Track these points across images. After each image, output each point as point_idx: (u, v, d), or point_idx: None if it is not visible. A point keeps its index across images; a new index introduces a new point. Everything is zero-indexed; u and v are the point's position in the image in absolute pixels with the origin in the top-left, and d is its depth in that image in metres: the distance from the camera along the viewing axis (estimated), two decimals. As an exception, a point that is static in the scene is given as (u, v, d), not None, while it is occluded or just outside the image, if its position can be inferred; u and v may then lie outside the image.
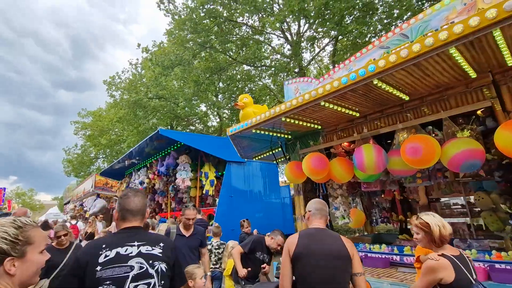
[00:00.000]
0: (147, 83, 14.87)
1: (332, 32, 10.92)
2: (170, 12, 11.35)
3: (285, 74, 13.23)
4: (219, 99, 15.92)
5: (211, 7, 10.23)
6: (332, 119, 3.93)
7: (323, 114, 3.74)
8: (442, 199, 4.29)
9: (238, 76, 15.39)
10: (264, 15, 10.24)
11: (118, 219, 1.57)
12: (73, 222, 11.04)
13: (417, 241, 1.98)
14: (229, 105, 15.15)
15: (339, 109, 3.42)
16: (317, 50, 13.35)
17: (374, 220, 5.53)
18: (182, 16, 10.73)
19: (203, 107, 19.28)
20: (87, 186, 18.16)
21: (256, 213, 8.79)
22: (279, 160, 5.44)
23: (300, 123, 3.85)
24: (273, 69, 12.75)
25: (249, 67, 14.22)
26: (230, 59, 12.61)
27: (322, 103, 3.15)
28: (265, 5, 9.59)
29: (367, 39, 10.85)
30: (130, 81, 16.02)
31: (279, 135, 4.46)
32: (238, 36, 12.49)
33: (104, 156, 26.35)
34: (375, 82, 2.70)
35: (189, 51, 10.64)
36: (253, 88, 14.83)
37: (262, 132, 4.21)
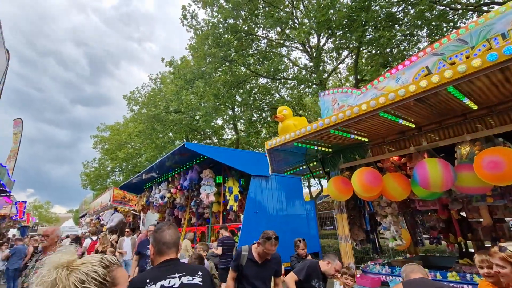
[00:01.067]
0: (168, 97, 15.03)
1: (352, 45, 10.80)
2: (192, 28, 11.57)
3: (304, 86, 13.08)
4: (236, 112, 15.86)
5: (232, 21, 10.31)
6: (382, 130, 3.65)
7: (372, 125, 3.47)
8: (508, 219, 3.86)
9: (255, 90, 15.37)
10: (285, 28, 10.24)
11: (155, 253, 1.62)
12: (94, 238, 10.83)
13: (501, 276, 1.67)
14: (246, 118, 15.04)
15: (396, 120, 3.14)
16: (336, 62, 13.20)
17: (420, 241, 5.09)
18: (204, 31, 10.88)
19: (219, 121, 19.32)
20: (104, 199, 18.20)
21: (281, 229, 8.42)
22: (315, 173, 5.14)
23: (348, 135, 3.58)
24: (294, 81, 12.63)
25: (267, 80, 14.19)
26: (250, 71, 12.60)
27: (382, 114, 2.89)
28: (287, 19, 9.56)
29: (388, 50, 10.66)
30: (149, 95, 16.27)
31: (320, 148, 4.20)
32: (257, 50, 12.52)
33: (120, 169, 26.62)
34: (450, 89, 2.43)
35: (211, 65, 10.70)
36: (273, 101, 14.74)
37: (304, 145, 3.96)
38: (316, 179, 22.48)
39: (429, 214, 4.95)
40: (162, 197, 9.84)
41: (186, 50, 12.45)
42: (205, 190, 7.90)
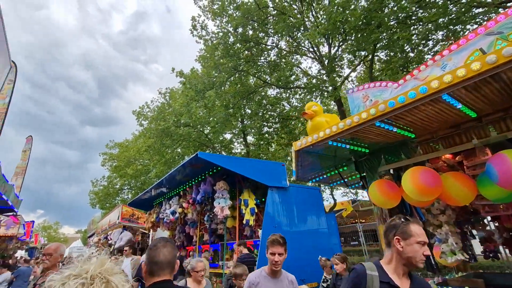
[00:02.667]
0: (177, 109, 14.82)
1: (365, 50, 10.44)
2: (202, 38, 11.47)
3: (316, 94, 12.68)
4: (245, 123, 15.48)
5: (242, 30, 10.13)
6: (433, 124, 3.12)
7: (425, 117, 2.95)
8: None
9: (264, 101, 15.06)
10: (296, 33, 10.00)
11: (146, 272, 1.48)
12: None
13: None
14: (256, 127, 14.62)
15: (460, 107, 2.62)
16: (349, 68, 12.82)
17: (472, 255, 4.38)
18: (214, 41, 10.73)
19: (227, 135, 18.97)
20: (112, 218, 17.71)
21: (302, 245, 7.74)
22: (350, 178, 4.58)
23: (400, 131, 3.06)
24: (305, 90, 12.26)
25: (278, 90, 13.87)
26: (260, 81, 12.32)
27: (445, 97, 2.38)
28: (299, 24, 9.30)
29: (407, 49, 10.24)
30: (159, 109, 16.11)
31: (356, 148, 3.67)
32: (267, 59, 12.28)
33: (128, 187, 26.28)
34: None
35: (222, 74, 10.44)
36: (283, 112, 14.33)
37: (341, 144, 3.44)
38: (341, 189, 21.50)
39: (481, 222, 4.29)
40: (173, 213, 9.29)
41: (195, 62, 12.35)
42: (219, 204, 7.33)
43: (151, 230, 12.49)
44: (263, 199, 8.41)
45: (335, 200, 20.63)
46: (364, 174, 4.01)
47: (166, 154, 16.63)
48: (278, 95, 14.68)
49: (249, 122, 14.12)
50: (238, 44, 10.56)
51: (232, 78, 11.66)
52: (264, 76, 12.54)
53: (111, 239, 16.44)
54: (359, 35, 9.39)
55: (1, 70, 5.00)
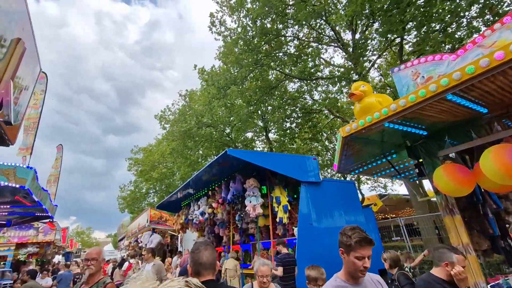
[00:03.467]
0: (199, 109, 14.80)
1: (391, 36, 9.77)
2: (221, 34, 11.30)
3: (341, 85, 12.11)
4: (267, 118, 15.15)
5: (260, 23, 9.80)
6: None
7: (506, 85, 2.47)
8: None
9: (285, 96, 14.65)
10: (320, 21, 9.54)
11: (192, 274, 1.59)
12: (132, 260, 10.41)
13: None
14: (278, 120, 14.23)
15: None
16: (376, 52, 12.11)
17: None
18: (233, 37, 10.52)
19: (249, 134, 18.74)
20: (142, 221, 18.04)
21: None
22: (398, 167, 4.13)
23: (465, 103, 2.61)
24: (329, 81, 11.73)
25: (300, 83, 13.43)
26: (282, 73, 11.94)
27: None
28: (322, 9, 8.81)
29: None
30: (180, 111, 16.18)
31: (414, 130, 3.23)
32: (286, 54, 11.87)
33: (154, 190, 26.81)
34: None
35: (243, 68, 10.17)
36: (306, 105, 13.88)
37: (397, 127, 3.03)
38: (368, 183, 20.65)
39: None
40: (202, 214, 9.15)
41: (215, 60, 12.12)
42: (250, 202, 7.07)
43: (181, 232, 12.49)
44: (295, 196, 8.06)
45: (362, 195, 19.81)
46: (421, 160, 3.55)
47: (189, 156, 16.67)
48: (300, 89, 14.23)
49: (270, 117, 13.78)
50: (257, 38, 10.25)
51: (252, 74, 11.37)
52: (285, 69, 12.15)
53: (141, 241, 16.72)
54: (388, 16, 8.78)
55: (33, 79, 5.01)
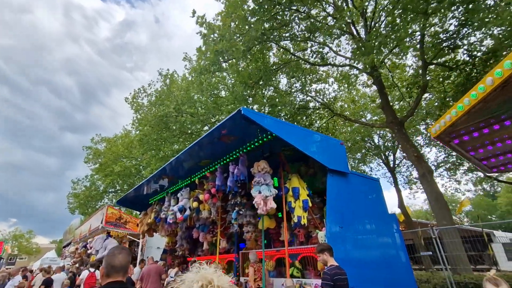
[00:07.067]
0: (181, 95, 12.60)
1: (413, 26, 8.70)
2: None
3: (354, 78, 10.76)
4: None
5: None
6: None
7: None
8: None
9: (297, 75, 12.94)
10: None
11: (103, 275, 1.75)
12: (92, 270, 8.13)
13: None
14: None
15: None
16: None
17: None
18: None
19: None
20: (95, 223, 14.78)
21: (371, 254, 5.54)
22: None
23: None
24: (342, 68, 10.33)
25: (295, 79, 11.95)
26: (289, 54, 10.36)
27: None
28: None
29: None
30: (159, 93, 13.68)
31: None
32: (292, 33, 10.31)
33: (114, 189, 23.19)
34: None
35: (248, 36, 8.26)
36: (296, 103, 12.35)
37: None
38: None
39: None
40: (182, 210, 6.85)
41: (217, 22, 10.02)
42: (260, 192, 5.02)
43: (146, 236, 9.88)
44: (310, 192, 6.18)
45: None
46: None
47: (163, 147, 14.13)
48: (293, 84, 12.79)
49: (267, 109, 11.98)
50: (265, 5, 8.53)
51: (255, 48, 9.55)
52: (295, 46, 10.54)
53: (91, 247, 13.43)
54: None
55: None
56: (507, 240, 15.10)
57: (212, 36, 8.59)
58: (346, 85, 11.96)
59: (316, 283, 5.32)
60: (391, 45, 8.66)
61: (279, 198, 5.63)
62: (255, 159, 5.58)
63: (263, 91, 11.50)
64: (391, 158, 20.82)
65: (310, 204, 5.34)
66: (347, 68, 9.90)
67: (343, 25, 9.77)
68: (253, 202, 4.96)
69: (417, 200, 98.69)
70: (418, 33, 9.38)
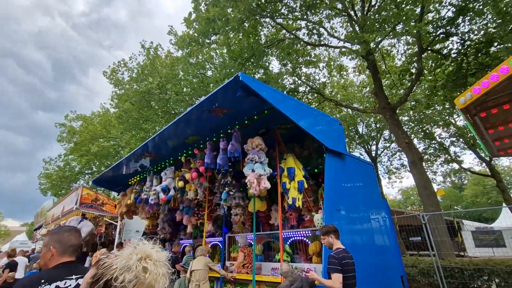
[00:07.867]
0: (166, 71, 11.78)
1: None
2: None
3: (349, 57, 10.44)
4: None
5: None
6: None
7: None
8: None
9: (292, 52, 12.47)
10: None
11: (55, 254, 1.60)
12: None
13: None
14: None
15: None
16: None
17: None
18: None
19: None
20: (68, 204, 13.91)
21: (363, 239, 5.41)
22: None
23: None
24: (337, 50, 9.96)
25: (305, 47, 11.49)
26: (282, 29, 9.84)
27: None
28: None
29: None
30: (141, 67, 12.69)
31: None
32: (292, 4, 9.74)
33: (90, 171, 21.99)
34: None
35: (241, 5, 7.63)
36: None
37: None
38: None
39: None
40: (165, 189, 6.34)
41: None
42: (253, 171, 4.63)
43: (124, 217, 9.29)
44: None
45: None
46: None
47: (144, 126, 13.32)
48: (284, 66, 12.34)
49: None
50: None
51: (247, 23, 8.93)
52: (289, 25, 10.02)
53: (64, 230, 12.68)
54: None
55: None
56: (473, 228, 16.25)
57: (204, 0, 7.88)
58: (337, 70, 11.65)
59: (308, 267, 5.11)
60: (393, 25, 8.39)
61: (273, 178, 5.29)
62: (248, 136, 5.16)
63: (254, 72, 10.96)
64: (373, 148, 21.20)
65: (306, 186, 5.04)
66: (343, 49, 9.56)
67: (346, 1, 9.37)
68: (246, 181, 4.56)
69: (392, 190, 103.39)
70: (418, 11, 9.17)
